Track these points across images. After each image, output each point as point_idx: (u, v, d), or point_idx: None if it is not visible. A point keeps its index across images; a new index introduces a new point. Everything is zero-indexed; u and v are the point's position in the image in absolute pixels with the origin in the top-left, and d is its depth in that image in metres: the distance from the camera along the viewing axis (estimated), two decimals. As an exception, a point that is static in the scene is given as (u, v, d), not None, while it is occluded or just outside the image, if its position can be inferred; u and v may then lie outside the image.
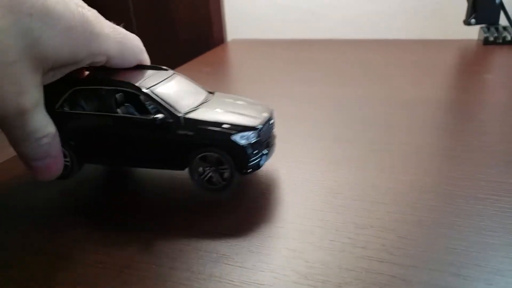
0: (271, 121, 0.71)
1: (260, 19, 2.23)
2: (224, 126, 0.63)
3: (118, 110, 0.66)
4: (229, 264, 0.52)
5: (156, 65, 0.74)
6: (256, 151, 0.66)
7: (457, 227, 0.57)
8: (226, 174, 0.64)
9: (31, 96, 0.53)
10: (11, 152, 0.76)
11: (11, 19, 0.48)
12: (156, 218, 0.62)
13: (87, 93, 0.68)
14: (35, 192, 0.71)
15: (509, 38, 1.58)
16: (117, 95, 0.66)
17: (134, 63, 0.69)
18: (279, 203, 0.64)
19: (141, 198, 0.68)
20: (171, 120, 0.63)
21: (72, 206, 0.67)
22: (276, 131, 0.74)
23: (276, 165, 0.75)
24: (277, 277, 0.50)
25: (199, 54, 1.69)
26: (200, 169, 0.65)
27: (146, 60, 0.72)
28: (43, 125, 0.56)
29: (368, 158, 0.77)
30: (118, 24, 0.66)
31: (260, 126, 0.66)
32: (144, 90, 0.65)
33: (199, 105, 0.68)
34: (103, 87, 0.66)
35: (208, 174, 0.65)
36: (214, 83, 1.33)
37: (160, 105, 0.64)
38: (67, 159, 0.69)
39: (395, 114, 0.98)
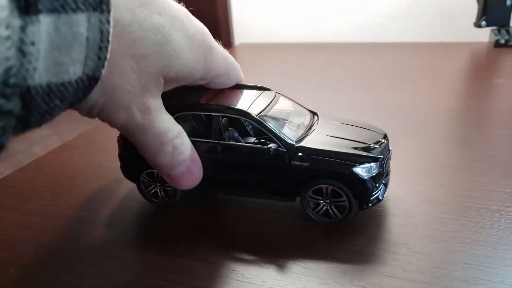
0: (389, 148, 0.66)
1: (268, 23, 2.22)
2: (344, 157, 0.59)
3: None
4: (239, 280, 0.52)
5: (255, 84, 0.70)
6: (378, 183, 0.61)
7: (471, 241, 0.56)
8: (343, 208, 0.60)
9: (153, 95, 0.51)
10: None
11: (142, 13, 0.47)
12: (162, 234, 0.62)
13: (192, 118, 0.66)
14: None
15: (519, 40, 1.56)
16: (223, 120, 0.63)
17: (235, 82, 0.66)
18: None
19: (144, 216, 0.68)
20: (284, 150, 0.59)
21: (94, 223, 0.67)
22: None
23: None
24: (288, 294, 0.49)
25: (207, 60, 1.69)
26: (312, 201, 0.60)
27: (243, 79, 0.68)
28: (172, 124, 0.54)
29: (378, 168, 0.76)
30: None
31: (382, 156, 0.61)
32: (256, 117, 0.61)
33: (309, 130, 0.64)
34: (212, 114, 0.63)
35: (323, 207, 0.61)
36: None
37: (273, 134, 0.60)
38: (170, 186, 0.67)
39: (405, 121, 0.97)
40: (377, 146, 0.63)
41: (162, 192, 0.68)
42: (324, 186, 0.59)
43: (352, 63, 1.54)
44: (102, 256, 0.58)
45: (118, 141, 0.69)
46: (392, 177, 0.74)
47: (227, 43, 2.32)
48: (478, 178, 0.72)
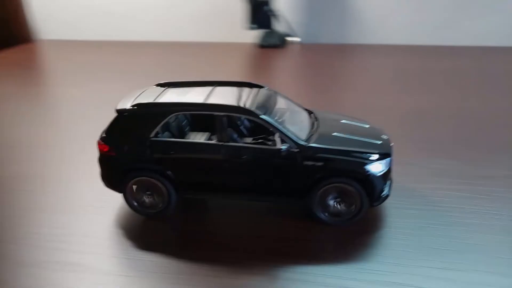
0: (392, 144, 0.65)
1: (72, 20, 2.16)
2: (358, 155, 0.59)
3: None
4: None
5: (245, 81, 0.68)
6: (387, 180, 0.61)
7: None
8: (354, 206, 0.62)
9: None
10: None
11: None
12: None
13: (188, 119, 0.63)
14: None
15: (278, 42, 2.02)
16: (223, 120, 0.60)
17: None
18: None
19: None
20: (296, 150, 0.60)
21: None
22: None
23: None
24: None
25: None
26: (329, 201, 0.61)
27: None
28: None
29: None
30: None
31: (391, 153, 0.61)
32: (265, 117, 0.59)
33: (314, 129, 0.63)
34: (214, 113, 0.59)
35: (334, 206, 0.62)
36: (12, 86, 1.33)
37: (284, 134, 0.59)
38: (159, 196, 0.63)
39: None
40: (383, 142, 0.65)
41: (153, 201, 0.67)
42: (334, 185, 0.60)
43: (147, 62, 1.71)
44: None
45: (100, 145, 0.67)
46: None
47: (24, 38, 2.18)
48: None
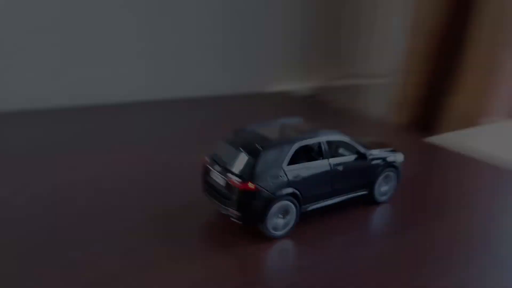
0: None
1: None
2: (392, 152, 1.19)
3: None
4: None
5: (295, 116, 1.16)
6: None
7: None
8: (393, 186, 1.21)
9: None
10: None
11: None
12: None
13: (305, 146, 1.04)
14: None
15: None
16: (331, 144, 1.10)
17: None
18: None
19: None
20: (367, 156, 1.14)
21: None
22: None
23: None
24: None
25: None
26: (383, 186, 1.20)
27: None
28: None
29: None
30: None
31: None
32: (352, 139, 1.12)
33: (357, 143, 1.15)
34: (324, 139, 1.06)
35: (384, 189, 1.20)
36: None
37: (361, 148, 1.12)
38: (290, 215, 1.03)
39: None
40: (385, 145, 1.29)
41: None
42: (385, 174, 1.17)
43: None
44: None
45: (244, 185, 0.94)
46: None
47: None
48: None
